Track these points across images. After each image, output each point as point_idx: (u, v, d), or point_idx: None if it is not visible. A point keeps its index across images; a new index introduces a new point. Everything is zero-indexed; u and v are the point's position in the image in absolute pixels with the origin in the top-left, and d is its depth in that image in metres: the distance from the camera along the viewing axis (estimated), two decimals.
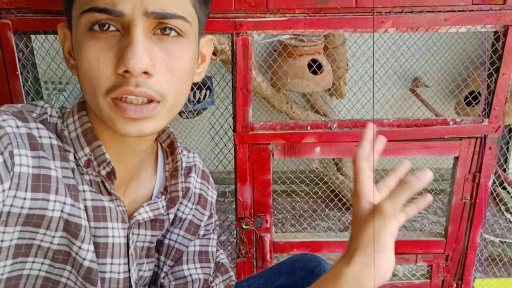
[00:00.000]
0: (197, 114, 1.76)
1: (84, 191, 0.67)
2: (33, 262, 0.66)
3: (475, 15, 1.03)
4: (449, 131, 1.13)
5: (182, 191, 0.78)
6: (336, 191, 1.95)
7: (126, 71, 0.56)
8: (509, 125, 1.90)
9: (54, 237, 0.65)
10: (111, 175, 0.67)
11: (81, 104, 0.68)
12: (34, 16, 1.00)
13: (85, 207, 0.67)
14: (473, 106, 1.82)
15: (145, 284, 0.81)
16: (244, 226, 1.20)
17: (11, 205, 0.60)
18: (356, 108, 1.90)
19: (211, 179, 0.87)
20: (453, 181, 1.20)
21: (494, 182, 1.87)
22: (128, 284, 0.75)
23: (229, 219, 1.74)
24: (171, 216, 0.80)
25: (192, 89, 1.70)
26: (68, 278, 0.69)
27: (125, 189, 0.74)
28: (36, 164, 0.62)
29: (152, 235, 0.78)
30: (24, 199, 0.61)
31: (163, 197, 0.77)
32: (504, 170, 1.93)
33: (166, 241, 0.82)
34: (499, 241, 1.72)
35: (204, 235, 0.85)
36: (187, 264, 0.82)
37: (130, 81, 0.57)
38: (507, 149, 1.95)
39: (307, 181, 1.86)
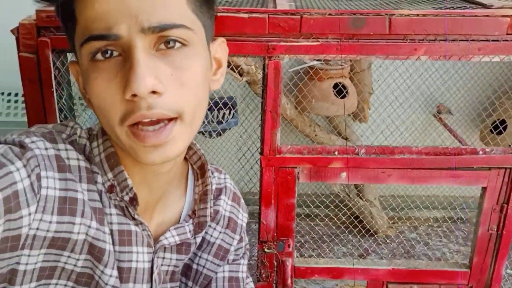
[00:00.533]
0: (219, 135, 1.77)
1: (111, 214, 0.67)
2: (56, 284, 0.65)
3: (509, 45, 1.03)
4: (478, 161, 1.12)
5: (211, 215, 0.76)
6: (356, 215, 1.93)
7: (134, 95, 0.55)
8: None
9: (78, 259, 0.65)
10: (134, 200, 0.66)
11: None
12: None
13: (111, 230, 0.67)
14: (498, 134, 1.80)
15: None
16: (266, 250, 1.20)
17: (37, 229, 0.59)
18: (378, 132, 1.89)
19: (242, 201, 0.85)
20: (480, 211, 1.18)
21: None
22: None
23: (251, 242, 1.73)
24: (198, 240, 0.79)
25: (211, 108, 1.71)
26: None
27: (152, 211, 0.73)
28: (63, 186, 0.61)
29: (177, 259, 0.77)
30: (50, 222, 0.60)
31: (191, 220, 0.75)
32: None
33: (194, 266, 0.81)
34: None
35: (234, 260, 0.84)
36: None
37: (141, 105, 0.56)
38: None
39: (326, 204, 1.85)
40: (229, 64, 1.49)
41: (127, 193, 0.66)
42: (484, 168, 1.14)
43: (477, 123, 1.97)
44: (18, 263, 0.60)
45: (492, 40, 1.03)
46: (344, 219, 1.91)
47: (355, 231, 1.95)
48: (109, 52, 0.56)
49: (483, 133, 1.89)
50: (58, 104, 1.07)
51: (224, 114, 1.78)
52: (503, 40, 1.03)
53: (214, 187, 0.80)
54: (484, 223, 1.19)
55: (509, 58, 1.04)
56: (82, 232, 0.63)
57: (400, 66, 1.76)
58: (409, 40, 1.03)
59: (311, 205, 1.71)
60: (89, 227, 0.64)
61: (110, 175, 0.66)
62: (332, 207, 1.75)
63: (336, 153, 1.13)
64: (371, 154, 1.13)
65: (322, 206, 1.85)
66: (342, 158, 1.13)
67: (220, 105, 1.73)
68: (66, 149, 0.63)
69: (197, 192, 0.76)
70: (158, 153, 0.59)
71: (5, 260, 0.58)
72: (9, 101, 1.97)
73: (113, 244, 0.67)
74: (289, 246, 1.20)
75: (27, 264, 0.61)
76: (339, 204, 1.84)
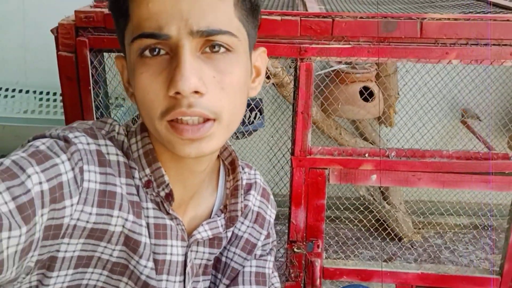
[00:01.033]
0: (243, 136, 1.79)
1: (147, 208, 0.69)
2: (92, 272, 0.68)
3: None
4: (510, 166, 1.12)
5: (242, 210, 0.78)
6: (381, 220, 1.93)
7: (177, 93, 0.57)
8: None
9: (114, 250, 0.67)
10: (170, 196, 0.69)
11: (144, 125, 0.70)
12: (109, 35, 1.05)
13: (147, 224, 0.69)
14: None
15: None
16: (295, 250, 1.21)
17: (78, 219, 0.62)
18: (405, 136, 1.88)
19: (271, 197, 0.87)
20: None
21: None
22: None
23: (281, 241, 1.74)
24: (229, 234, 0.80)
25: None
26: None
27: (185, 207, 0.75)
28: (103, 180, 0.64)
29: (210, 253, 0.79)
30: (90, 214, 0.63)
31: (223, 215, 0.77)
32: None
33: (223, 259, 0.83)
34: None
35: (261, 255, 0.85)
36: (243, 285, 0.82)
37: (182, 102, 0.58)
38: None
39: (352, 208, 1.85)
40: None
41: (163, 189, 0.68)
42: None
43: (504, 131, 1.94)
44: (58, 250, 0.63)
45: None
46: (369, 223, 1.90)
47: (380, 236, 1.94)
48: (157, 50, 0.59)
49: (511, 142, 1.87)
50: (95, 102, 1.10)
51: (249, 116, 1.80)
52: None
53: (244, 182, 0.82)
54: None
55: None
56: (119, 225, 0.66)
57: (431, 70, 1.75)
58: (441, 44, 1.04)
59: (335, 208, 1.72)
60: (126, 220, 0.66)
61: (147, 170, 0.68)
62: (358, 211, 1.76)
63: (366, 155, 1.14)
64: (401, 157, 1.13)
65: (347, 210, 1.85)
66: (373, 160, 1.13)
67: (252, 105, 1.75)
68: (106, 145, 0.66)
69: (228, 187, 0.78)
70: (194, 147, 0.61)
71: (47, 247, 0.61)
72: (41, 99, 2.03)
73: (149, 237, 0.69)
74: (318, 246, 1.21)
75: (66, 251, 0.64)
76: (365, 208, 1.83)
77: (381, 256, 1.85)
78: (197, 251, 0.77)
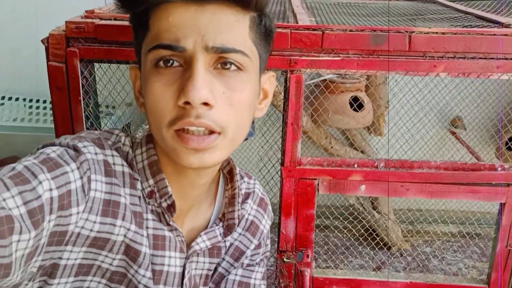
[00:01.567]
0: None
1: (147, 219, 0.71)
2: (91, 280, 0.69)
3: None
4: (496, 177, 1.13)
5: (238, 218, 0.80)
6: (371, 229, 1.94)
7: (187, 103, 0.59)
8: None
9: (114, 259, 0.68)
10: (171, 207, 0.70)
11: (149, 137, 0.72)
12: (100, 46, 1.05)
13: (147, 234, 0.70)
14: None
15: None
16: (285, 260, 1.21)
17: (82, 227, 0.63)
18: (395, 147, 1.90)
19: (269, 208, 0.87)
20: (498, 228, 1.19)
21: None
22: None
23: (271, 250, 1.74)
24: (228, 244, 0.82)
25: None
26: None
27: (183, 218, 0.76)
28: (108, 190, 0.66)
29: (210, 263, 0.80)
30: (94, 222, 0.64)
31: (221, 223, 0.79)
32: None
33: None
34: None
35: (248, 265, 0.85)
36: None
37: (191, 113, 0.60)
38: None
39: (342, 216, 1.86)
40: None
41: (165, 200, 0.70)
42: (503, 185, 1.14)
43: (493, 140, 1.97)
44: (60, 258, 0.64)
45: (511, 59, 1.04)
46: (359, 232, 1.91)
47: (370, 244, 1.95)
48: (171, 61, 0.62)
49: (499, 150, 1.90)
50: (85, 112, 1.10)
51: None
52: None
53: (243, 191, 0.83)
54: (502, 239, 1.19)
55: None
56: (121, 234, 0.67)
57: (420, 81, 1.77)
58: (429, 57, 1.05)
59: (325, 217, 1.72)
60: (128, 229, 0.68)
61: (151, 181, 0.70)
62: (347, 220, 1.76)
63: (355, 165, 1.15)
64: (390, 167, 1.15)
65: (337, 218, 1.86)
66: (362, 171, 1.14)
67: None
68: (113, 155, 0.68)
69: (227, 196, 0.80)
70: (198, 157, 0.62)
71: (50, 253, 0.62)
72: (30, 107, 2.02)
73: (148, 247, 0.71)
74: (307, 256, 1.21)
75: (68, 259, 0.65)
76: (354, 218, 1.84)
77: (368, 266, 1.86)
78: (197, 262, 0.78)
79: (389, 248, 1.98)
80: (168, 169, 0.71)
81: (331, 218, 1.73)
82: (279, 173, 1.16)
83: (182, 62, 0.62)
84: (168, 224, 0.72)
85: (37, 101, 2.02)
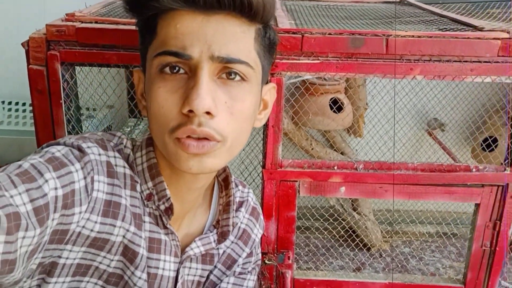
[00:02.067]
0: None
1: (144, 222, 0.72)
2: (88, 282, 0.70)
3: (500, 67, 1.07)
4: (471, 178, 1.16)
5: (233, 226, 0.81)
6: (351, 231, 1.96)
7: (190, 111, 0.61)
8: None
9: (112, 260, 0.69)
10: (169, 210, 0.71)
11: (149, 140, 0.73)
12: (81, 49, 1.05)
13: (145, 237, 0.71)
14: (489, 151, 1.85)
15: None
16: (267, 262, 1.22)
17: (83, 227, 0.64)
18: (374, 148, 1.93)
19: (261, 217, 0.89)
20: (474, 228, 1.22)
21: None
22: None
23: None
24: (221, 251, 0.83)
25: None
26: None
27: (179, 223, 0.77)
28: (110, 190, 0.67)
29: (202, 269, 0.81)
30: (95, 222, 0.65)
31: (215, 230, 0.80)
32: None
33: None
34: None
35: (240, 273, 0.87)
36: None
37: (193, 121, 0.61)
38: None
39: (323, 218, 1.88)
40: None
41: (163, 203, 0.71)
42: (478, 186, 1.18)
43: (469, 141, 2.01)
44: (59, 256, 0.65)
45: (484, 62, 1.08)
46: (339, 233, 1.93)
47: (350, 245, 1.97)
48: (176, 68, 0.63)
49: (475, 151, 1.94)
50: (66, 115, 1.10)
51: None
52: (494, 62, 1.07)
53: (237, 199, 0.85)
54: (477, 239, 1.22)
55: (500, 79, 1.09)
56: (120, 235, 0.68)
57: (397, 83, 1.80)
58: (405, 60, 1.08)
59: (305, 219, 1.74)
60: (127, 230, 0.69)
61: (150, 184, 0.71)
62: (328, 222, 1.78)
63: (335, 167, 1.17)
64: (369, 169, 1.17)
65: (318, 219, 1.88)
66: (342, 173, 1.16)
67: None
68: (115, 157, 0.69)
69: (221, 203, 0.81)
70: (197, 162, 0.64)
71: (50, 250, 0.63)
72: (9, 109, 1.99)
73: (145, 249, 0.72)
74: (289, 258, 1.23)
75: (67, 258, 0.66)
76: (334, 219, 1.86)
77: (349, 267, 1.88)
78: (190, 267, 0.79)
79: (368, 249, 2.00)
80: (166, 172, 0.72)
81: (312, 220, 1.75)
82: (261, 175, 1.17)
83: (187, 69, 0.63)
84: (165, 227, 0.73)
85: (17, 103, 2.00)
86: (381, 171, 1.16)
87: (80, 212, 0.63)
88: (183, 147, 0.63)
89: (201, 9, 0.61)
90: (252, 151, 1.45)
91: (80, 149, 0.65)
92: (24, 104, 2.00)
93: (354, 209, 2.02)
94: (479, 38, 1.07)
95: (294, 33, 1.07)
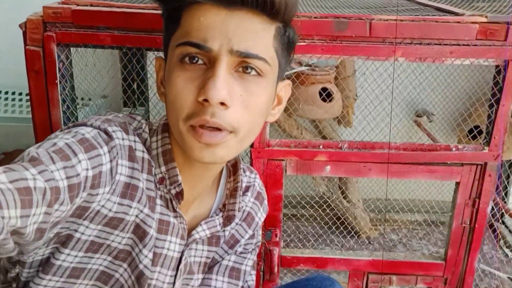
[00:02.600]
0: None
1: (157, 204, 0.75)
2: (98, 258, 0.74)
3: (479, 49, 1.12)
4: (451, 157, 1.21)
5: (239, 211, 0.85)
6: (342, 218, 2.01)
7: (205, 100, 0.64)
8: (510, 160, 1.97)
9: (124, 238, 0.73)
10: (180, 195, 0.75)
11: (165, 126, 0.76)
12: (76, 31, 1.09)
13: (156, 218, 0.75)
14: (477, 140, 1.90)
15: None
16: None
17: (103, 206, 0.69)
18: (362, 136, 1.98)
19: (265, 202, 0.93)
20: (454, 206, 1.27)
21: (493, 216, 1.94)
22: None
23: None
24: (227, 234, 0.87)
25: None
26: (121, 275, 0.76)
27: (188, 206, 0.81)
28: (130, 174, 0.71)
29: (208, 251, 0.85)
30: (114, 203, 0.69)
31: (221, 213, 0.83)
32: (505, 202, 2.00)
33: None
34: (508, 277, 1.77)
35: (241, 252, 0.91)
36: (217, 274, 0.88)
37: (207, 110, 0.65)
38: (508, 183, 2.02)
39: (312, 205, 1.92)
40: None
41: (174, 187, 0.75)
42: (458, 164, 1.22)
43: (456, 131, 2.06)
44: (76, 230, 0.69)
45: (463, 45, 1.12)
46: (330, 220, 1.98)
47: (338, 232, 2.02)
48: (196, 58, 0.66)
49: (461, 141, 1.99)
50: (61, 95, 1.14)
51: None
52: (473, 45, 1.12)
53: (244, 184, 0.88)
54: (457, 217, 1.27)
55: (478, 61, 1.13)
56: (134, 215, 0.72)
57: (383, 73, 1.85)
58: (388, 42, 1.12)
59: (292, 206, 1.79)
60: (141, 211, 0.73)
61: (163, 168, 0.75)
62: (317, 209, 1.83)
63: (321, 147, 1.21)
64: (353, 148, 1.21)
65: (305, 206, 1.93)
66: (327, 152, 1.21)
67: None
68: (135, 141, 0.73)
69: (229, 188, 0.85)
70: (209, 152, 0.67)
71: (68, 223, 0.67)
72: (6, 99, 2.03)
73: (155, 230, 0.76)
74: (276, 235, 1.27)
75: (82, 233, 0.70)
76: (322, 208, 1.91)
77: (340, 249, 1.92)
78: (196, 249, 0.83)
79: (358, 237, 2.05)
80: (179, 159, 0.75)
81: (302, 207, 1.79)
82: (249, 154, 1.21)
83: (206, 60, 0.66)
84: (174, 211, 0.77)
85: (13, 93, 2.04)
86: (364, 150, 1.21)
87: (103, 193, 0.66)
88: (195, 136, 0.66)
89: (225, 5, 0.65)
90: None
91: (106, 132, 0.69)
92: (20, 93, 2.03)
93: (344, 198, 2.07)
94: (458, 22, 1.12)
95: None
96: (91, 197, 0.65)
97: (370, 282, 1.32)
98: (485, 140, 1.21)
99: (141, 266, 0.75)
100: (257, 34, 0.66)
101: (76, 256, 0.71)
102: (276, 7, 0.66)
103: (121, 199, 0.70)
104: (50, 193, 0.54)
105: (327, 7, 1.48)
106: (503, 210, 1.84)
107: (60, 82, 1.13)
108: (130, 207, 0.71)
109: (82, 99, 1.85)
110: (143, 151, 0.73)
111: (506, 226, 2.07)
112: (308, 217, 1.98)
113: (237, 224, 0.88)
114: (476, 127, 1.82)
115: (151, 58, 1.51)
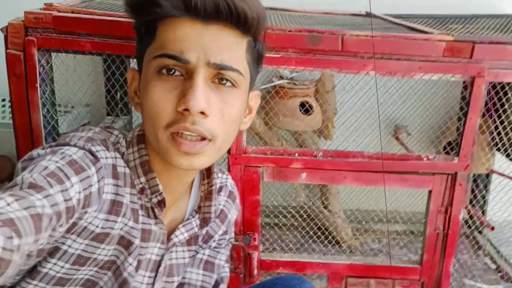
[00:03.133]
0: None
1: (139, 215, 0.78)
2: (84, 269, 0.76)
3: (446, 66, 1.17)
4: (422, 166, 1.25)
5: (215, 213, 0.88)
6: (323, 228, 2.02)
7: (186, 110, 0.67)
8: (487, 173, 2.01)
9: (109, 250, 0.76)
10: (162, 203, 0.78)
11: (141, 136, 0.78)
12: (57, 36, 1.12)
13: (139, 228, 0.78)
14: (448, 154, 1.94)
15: None
16: (234, 243, 1.28)
17: (90, 223, 0.71)
18: (342, 148, 2.00)
19: (237, 200, 0.96)
20: (427, 213, 1.30)
21: (469, 227, 1.97)
22: None
23: None
24: (204, 232, 0.90)
25: None
26: (105, 283, 0.79)
27: (166, 212, 0.83)
28: (114, 191, 0.73)
29: (189, 250, 0.88)
30: (101, 219, 0.72)
31: (197, 215, 0.86)
32: (483, 213, 2.04)
33: None
34: None
35: (215, 247, 0.94)
36: (191, 267, 0.91)
37: (187, 119, 0.67)
38: (485, 195, 2.06)
39: (290, 216, 1.94)
40: None
41: (156, 196, 0.77)
42: (429, 174, 1.26)
43: (434, 144, 2.11)
44: (63, 243, 0.72)
45: (431, 61, 1.17)
46: (309, 229, 1.99)
47: (319, 241, 2.03)
48: (173, 70, 0.69)
49: (439, 153, 2.03)
50: (41, 99, 1.16)
51: None
52: (440, 61, 1.17)
53: (217, 186, 0.91)
54: (431, 223, 1.31)
55: (446, 77, 1.18)
56: (119, 228, 0.75)
57: (362, 89, 1.89)
58: (359, 57, 1.16)
59: (274, 216, 1.81)
60: (125, 224, 0.76)
61: (142, 179, 0.77)
62: (297, 216, 1.85)
63: (296, 155, 1.24)
64: (327, 157, 1.24)
65: (289, 216, 1.95)
66: (302, 160, 1.24)
67: None
68: (116, 157, 0.75)
69: (203, 190, 0.87)
70: (187, 160, 0.70)
71: (56, 237, 0.67)
72: None
73: (139, 239, 0.78)
74: (255, 239, 1.29)
75: (69, 247, 0.72)
76: (304, 215, 1.93)
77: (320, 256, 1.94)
78: (176, 251, 0.85)
79: (340, 246, 2.07)
80: (158, 167, 0.77)
81: (284, 217, 1.81)
82: (226, 161, 1.24)
83: (183, 72, 0.69)
84: (155, 218, 0.79)
85: None
86: (338, 158, 1.24)
87: (91, 212, 0.69)
88: (176, 145, 0.69)
89: (201, 18, 0.67)
90: None
91: (92, 153, 0.70)
92: (3, 100, 2.04)
93: (325, 207, 2.09)
94: (426, 40, 1.17)
95: None
96: (80, 216, 0.67)
97: (349, 286, 1.35)
98: (454, 151, 1.25)
99: (125, 274, 0.78)
100: (231, 47, 0.69)
101: (62, 267, 0.73)
102: (249, 22, 0.69)
103: (107, 215, 0.72)
104: (56, 217, 0.57)
105: (306, 24, 1.53)
106: (482, 221, 1.87)
107: (40, 86, 1.15)
108: (116, 222, 0.73)
109: (65, 106, 1.86)
110: (124, 166, 0.75)
111: (488, 239, 2.11)
112: (290, 226, 2.00)
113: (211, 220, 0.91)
114: (450, 143, 1.87)
115: (132, 65, 1.53)
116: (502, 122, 1.52)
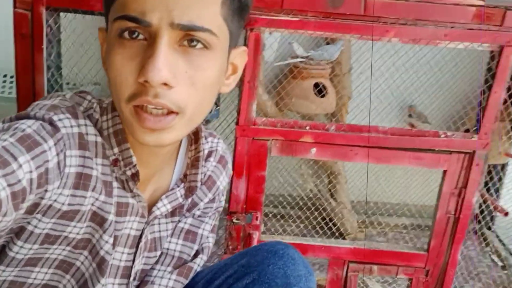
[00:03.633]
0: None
1: (113, 187, 0.71)
2: (56, 248, 0.70)
3: (474, 33, 1.11)
4: (439, 144, 1.19)
5: (201, 181, 0.80)
6: (327, 219, 1.98)
7: (146, 81, 0.59)
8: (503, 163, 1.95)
9: (81, 228, 0.70)
10: (135, 176, 0.71)
11: None
12: None
13: (114, 202, 0.71)
14: None
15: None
16: (234, 221, 1.23)
17: (55, 201, 0.64)
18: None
19: (229, 166, 0.88)
20: (440, 195, 1.24)
21: (479, 222, 1.91)
22: (127, 273, 0.78)
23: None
24: (189, 201, 0.82)
25: None
26: (82, 263, 0.73)
27: (146, 183, 0.76)
28: (81, 163, 0.66)
29: (172, 221, 0.81)
30: (67, 196, 0.65)
31: (182, 184, 0.79)
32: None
33: None
34: None
35: (199, 216, 0.87)
36: (171, 237, 0.84)
37: (149, 91, 0.60)
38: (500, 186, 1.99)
39: (299, 206, 1.89)
40: None
41: (130, 169, 0.70)
42: (445, 152, 1.20)
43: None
44: (28, 223, 0.66)
45: (458, 28, 1.11)
46: (312, 219, 1.95)
47: (326, 233, 1.98)
48: (136, 33, 0.61)
49: None
50: (47, 61, 1.12)
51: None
52: (468, 28, 1.10)
53: (206, 151, 0.83)
54: (442, 206, 1.24)
55: (473, 46, 1.12)
56: (89, 204, 0.68)
57: (380, 68, 1.84)
58: (382, 22, 1.11)
59: (282, 207, 1.77)
60: (96, 199, 0.69)
61: (116, 150, 0.70)
62: (303, 209, 1.80)
63: (307, 127, 1.19)
64: (340, 131, 1.19)
65: (294, 207, 1.90)
66: (313, 133, 1.19)
67: None
68: (86, 125, 0.68)
69: (190, 157, 0.79)
70: (154, 137, 0.63)
71: (19, 219, 0.63)
72: None
73: (114, 214, 0.72)
74: (257, 219, 1.24)
75: (35, 227, 0.66)
76: (309, 203, 1.88)
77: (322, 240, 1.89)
78: (159, 224, 0.79)
79: (344, 238, 2.02)
80: (130, 138, 0.70)
81: (289, 207, 1.76)
82: (234, 133, 1.19)
83: (147, 35, 0.60)
84: (131, 191, 0.72)
85: None
86: (351, 132, 1.19)
87: (53, 189, 0.62)
88: (139, 120, 0.62)
89: None
90: (227, 108, 1.48)
91: (51, 123, 0.63)
92: (5, 76, 2.02)
93: (332, 196, 2.04)
94: (455, 4, 1.10)
95: None
96: (39, 195, 0.60)
97: (350, 271, 1.29)
98: (474, 128, 1.19)
99: (102, 252, 0.72)
100: (201, 4, 0.60)
101: (30, 248, 0.68)
102: None
103: (74, 190, 0.66)
104: None
105: None
106: (493, 214, 1.81)
107: (46, 48, 1.11)
108: (85, 197, 0.67)
109: (74, 84, 1.83)
110: (95, 135, 0.68)
111: (497, 235, 2.05)
112: (294, 216, 1.95)
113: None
114: (467, 130, 1.81)
115: None
116: None
